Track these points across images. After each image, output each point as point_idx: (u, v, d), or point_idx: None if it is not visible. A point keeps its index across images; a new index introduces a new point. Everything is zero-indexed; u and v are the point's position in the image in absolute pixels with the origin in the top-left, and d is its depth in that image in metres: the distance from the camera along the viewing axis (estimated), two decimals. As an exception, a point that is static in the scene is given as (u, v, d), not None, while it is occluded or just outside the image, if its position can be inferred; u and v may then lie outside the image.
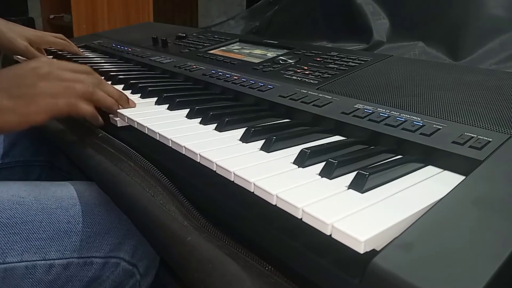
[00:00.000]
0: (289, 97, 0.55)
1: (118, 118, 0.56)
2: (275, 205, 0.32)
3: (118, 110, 0.56)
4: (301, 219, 0.30)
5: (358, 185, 0.33)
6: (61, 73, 0.51)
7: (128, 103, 0.58)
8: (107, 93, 0.55)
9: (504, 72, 0.58)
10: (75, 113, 0.51)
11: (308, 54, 0.73)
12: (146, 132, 0.50)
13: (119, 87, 0.69)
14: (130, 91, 0.67)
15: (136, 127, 0.52)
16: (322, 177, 0.36)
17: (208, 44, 0.91)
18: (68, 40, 0.97)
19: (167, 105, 0.58)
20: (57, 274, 0.49)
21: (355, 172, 0.34)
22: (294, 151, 0.41)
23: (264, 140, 0.43)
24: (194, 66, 0.76)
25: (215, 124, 0.50)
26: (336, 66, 0.65)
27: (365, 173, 0.33)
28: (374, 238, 0.27)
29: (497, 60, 0.75)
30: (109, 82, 0.69)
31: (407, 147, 0.41)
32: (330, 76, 0.61)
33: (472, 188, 0.32)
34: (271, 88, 0.60)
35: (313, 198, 0.31)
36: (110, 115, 0.58)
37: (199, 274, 0.33)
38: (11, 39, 0.84)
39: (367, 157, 0.40)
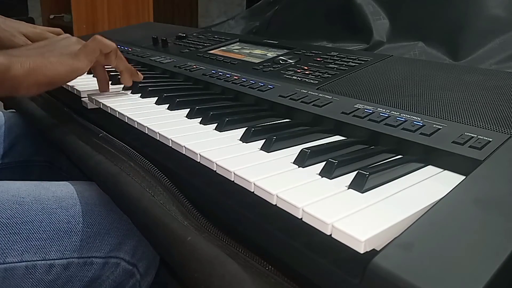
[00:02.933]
0: (289, 97, 0.55)
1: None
2: (275, 204, 0.32)
3: (117, 109, 0.56)
4: (301, 218, 0.30)
5: (358, 185, 0.33)
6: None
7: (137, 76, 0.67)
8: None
9: (504, 72, 0.58)
10: (103, 46, 0.59)
11: (308, 54, 0.73)
12: (146, 132, 0.50)
13: (119, 87, 0.69)
14: (130, 91, 0.67)
15: (136, 127, 0.52)
16: (322, 177, 0.36)
17: (208, 44, 0.91)
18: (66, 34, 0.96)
19: (167, 105, 0.58)
20: (57, 274, 0.49)
21: (355, 172, 0.34)
22: (294, 151, 0.41)
23: (264, 140, 0.43)
24: (194, 66, 0.76)
25: (215, 124, 0.50)
26: (336, 66, 0.65)
27: (365, 173, 0.33)
28: (374, 238, 0.27)
29: (497, 60, 0.75)
30: (110, 82, 0.69)
31: (407, 147, 0.41)
32: (330, 76, 0.61)
33: (472, 188, 0.32)
34: (271, 88, 0.60)
35: (313, 198, 0.31)
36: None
37: (199, 274, 0.33)
38: (10, 37, 0.84)
39: (367, 157, 0.40)
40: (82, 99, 0.66)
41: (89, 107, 0.64)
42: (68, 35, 0.60)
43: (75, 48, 0.57)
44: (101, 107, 0.61)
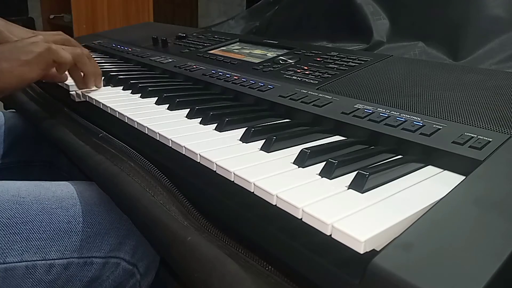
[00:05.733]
0: (289, 97, 0.55)
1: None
2: (275, 205, 0.32)
3: (117, 109, 0.56)
4: (301, 219, 0.30)
5: (358, 185, 0.33)
6: (55, 40, 0.61)
7: (100, 82, 0.68)
8: (92, 63, 0.66)
9: (504, 72, 0.58)
10: (57, 57, 0.59)
11: (308, 54, 0.73)
12: (146, 132, 0.50)
13: (119, 87, 0.69)
14: (130, 91, 0.67)
15: (136, 127, 0.52)
16: (322, 177, 0.36)
17: (208, 44, 0.91)
18: (67, 36, 0.96)
19: (167, 105, 0.58)
20: (57, 274, 0.49)
21: (355, 172, 0.34)
22: (294, 151, 0.41)
23: (264, 140, 0.43)
24: (194, 66, 0.76)
25: (215, 124, 0.50)
26: (336, 66, 0.65)
27: (365, 173, 0.33)
28: (374, 238, 0.27)
29: (497, 60, 0.75)
30: (110, 85, 0.69)
31: (407, 147, 0.41)
32: (330, 76, 0.61)
33: (472, 188, 0.32)
34: (271, 88, 0.60)
35: (313, 198, 0.31)
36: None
37: (199, 274, 0.33)
38: (8, 39, 0.84)
39: (367, 157, 0.40)
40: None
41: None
42: (41, 37, 0.59)
43: (30, 55, 0.56)
44: (101, 107, 0.61)
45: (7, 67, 0.54)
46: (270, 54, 0.78)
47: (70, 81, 0.69)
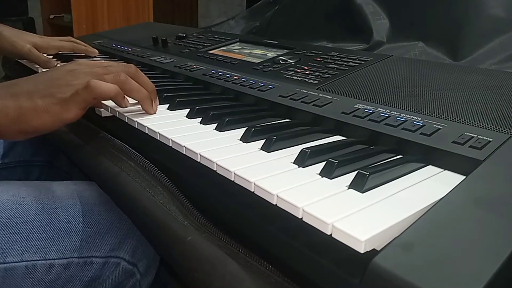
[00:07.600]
0: (289, 97, 0.55)
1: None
2: (276, 204, 0.32)
3: (117, 109, 0.56)
4: (302, 218, 0.30)
5: (359, 185, 0.33)
6: (96, 69, 0.52)
7: (156, 100, 0.57)
8: (142, 83, 0.54)
9: (504, 72, 0.58)
10: (99, 94, 0.49)
11: (308, 54, 0.73)
12: (146, 132, 0.50)
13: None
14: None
15: (136, 127, 0.52)
16: (322, 177, 0.36)
17: (208, 44, 0.91)
18: (76, 40, 0.96)
19: (167, 105, 0.58)
20: (57, 274, 0.49)
21: (356, 172, 0.34)
22: (295, 151, 0.41)
23: (264, 140, 0.43)
24: (194, 66, 0.76)
25: (215, 124, 0.50)
26: (336, 66, 0.65)
27: (366, 173, 0.33)
28: (375, 238, 0.27)
29: (497, 60, 0.75)
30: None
31: (407, 147, 0.42)
32: (330, 76, 0.61)
33: (472, 188, 0.32)
34: (271, 88, 0.60)
35: (314, 198, 0.31)
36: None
37: (199, 274, 0.33)
38: (13, 43, 0.84)
39: (367, 157, 0.40)
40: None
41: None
42: (78, 61, 0.52)
43: (67, 91, 0.48)
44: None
45: (42, 105, 0.47)
46: (270, 54, 0.78)
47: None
